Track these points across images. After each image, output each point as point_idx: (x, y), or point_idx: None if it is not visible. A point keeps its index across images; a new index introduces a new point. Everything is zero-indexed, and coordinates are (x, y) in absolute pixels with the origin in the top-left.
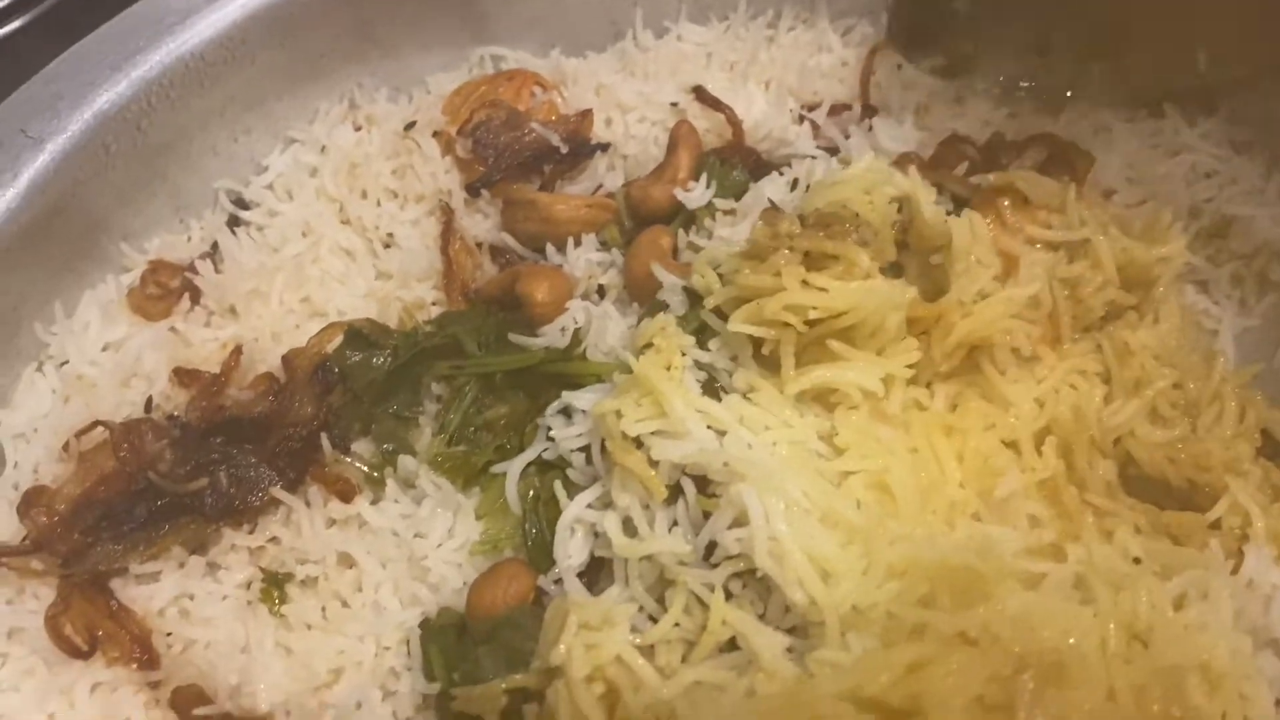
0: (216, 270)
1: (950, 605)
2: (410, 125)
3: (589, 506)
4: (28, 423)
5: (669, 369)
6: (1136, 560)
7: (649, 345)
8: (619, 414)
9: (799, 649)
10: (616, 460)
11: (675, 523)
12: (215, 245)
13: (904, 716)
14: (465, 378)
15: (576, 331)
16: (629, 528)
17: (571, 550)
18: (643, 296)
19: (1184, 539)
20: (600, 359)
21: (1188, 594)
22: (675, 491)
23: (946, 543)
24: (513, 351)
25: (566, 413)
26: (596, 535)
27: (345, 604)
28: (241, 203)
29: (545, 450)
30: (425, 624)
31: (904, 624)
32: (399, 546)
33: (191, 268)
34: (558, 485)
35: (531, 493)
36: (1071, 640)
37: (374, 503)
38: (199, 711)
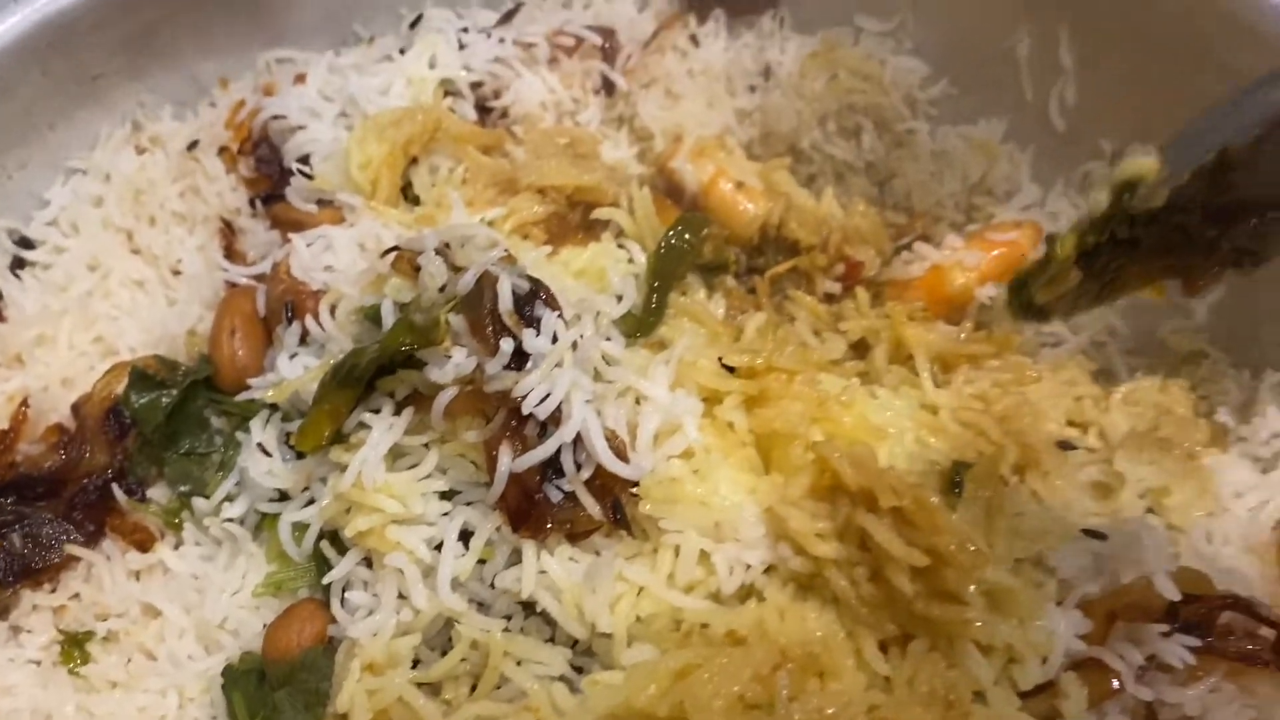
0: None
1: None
2: (193, 144)
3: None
4: None
5: None
6: None
7: None
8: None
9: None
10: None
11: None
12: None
13: None
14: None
15: None
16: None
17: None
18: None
19: None
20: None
21: None
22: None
23: None
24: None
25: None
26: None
27: (151, 656)
28: (26, 242)
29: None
30: (228, 671)
31: (683, 628)
32: (200, 592)
33: None
34: (324, 545)
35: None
36: (833, 632)
37: (176, 548)
38: None
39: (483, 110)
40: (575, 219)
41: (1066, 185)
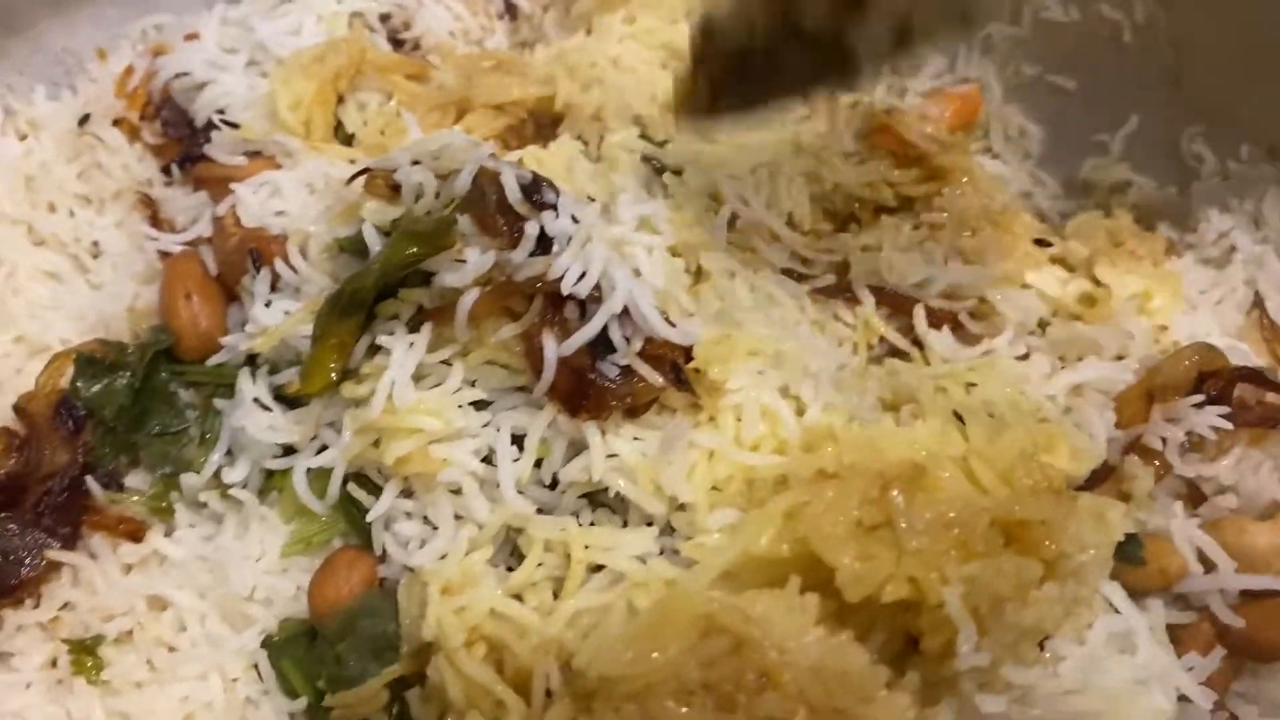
0: None
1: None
2: (84, 120)
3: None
4: None
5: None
6: None
7: None
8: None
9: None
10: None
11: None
12: None
13: (789, 567)
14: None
15: None
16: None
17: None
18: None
19: None
20: None
21: None
22: None
23: None
24: None
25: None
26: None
27: (172, 648)
28: None
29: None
30: (269, 641)
31: (765, 483)
32: (211, 571)
33: None
34: (352, 487)
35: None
36: (920, 449)
37: (168, 534)
38: None
39: (395, 43)
40: (530, 130)
41: (969, 50)
